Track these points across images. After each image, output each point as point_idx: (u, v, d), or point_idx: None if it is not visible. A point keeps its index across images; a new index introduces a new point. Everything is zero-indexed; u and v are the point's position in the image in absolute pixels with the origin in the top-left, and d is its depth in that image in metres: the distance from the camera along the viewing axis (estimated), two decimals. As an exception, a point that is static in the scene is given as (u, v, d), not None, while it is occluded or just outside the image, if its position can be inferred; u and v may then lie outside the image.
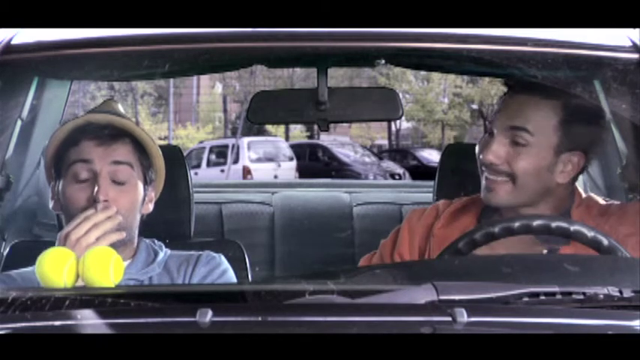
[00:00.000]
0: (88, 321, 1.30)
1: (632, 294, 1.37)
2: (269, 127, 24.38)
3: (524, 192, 1.98)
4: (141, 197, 1.95)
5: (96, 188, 1.87)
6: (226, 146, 20.47)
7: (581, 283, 1.45)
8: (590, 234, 1.68)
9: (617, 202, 2.05)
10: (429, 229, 2.09)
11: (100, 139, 1.92)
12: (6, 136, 2.19)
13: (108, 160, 1.91)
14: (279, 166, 19.30)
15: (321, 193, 3.47)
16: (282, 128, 26.97)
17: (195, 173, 17.49)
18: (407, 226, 2.13)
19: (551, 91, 1.96)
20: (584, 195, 2.05)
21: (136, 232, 1.98)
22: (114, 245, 1.77)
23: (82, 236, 1.77)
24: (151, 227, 2.04)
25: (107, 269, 1.61)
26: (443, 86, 27.84)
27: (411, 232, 2.12)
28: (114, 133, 1.94)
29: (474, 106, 27.77)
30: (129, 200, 1.92)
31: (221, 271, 2.02)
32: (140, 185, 1.95)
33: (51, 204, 1.98)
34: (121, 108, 2.03)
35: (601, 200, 2.04)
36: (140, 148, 1.96)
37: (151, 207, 2.01)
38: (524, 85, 2.01)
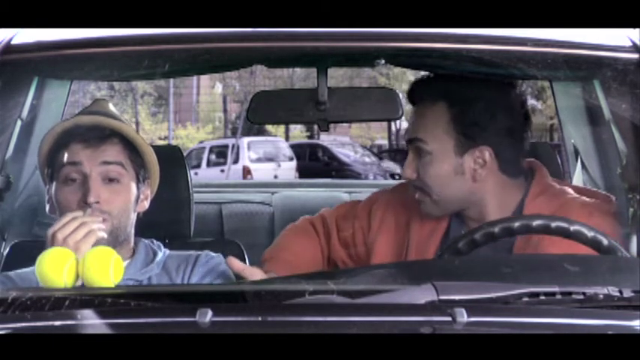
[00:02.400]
0: (88, 321, 1.30)
1: (632, 294, 1.37)
2: (269, 127, 24.37)
3: (446, 201, 1.98)
4: (134, 196, 1.95)
5: (87, 190, 1.87)
6: (226, 146, 20.47)
7: (581, 283, 1.45)
8: (590, 234, 1.68)
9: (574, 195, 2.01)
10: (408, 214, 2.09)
11: (87, 142, 1.92)
12: (6, 136, 2.19)
13: (97, 162, 1.91)
14: (279, 166, 19.29)
15: (321, 193, 3.47)
16: (282, 128, 26.96)
17: (195, 173, 17.48)
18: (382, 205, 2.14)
19: (436, 94, 1.97)
20: (540, 187, 2.01)
21: (132, 230, 1.98)
22: (111, 245, 1.77)
23: (68, 235, 1.77)
24: (150, 227, 2.04)
25: (107, 269, 1.61)
26: (443, 86, 27.78)
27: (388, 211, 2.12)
28: (102, 135, 1.93)
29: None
30: (122, 200, 1.92)
31: (220, 270, 2.02)
32: (133, 184, 1.95)
33: (47, 207, 1.98)
34: (111, 107, 2.03)
35: (561, 192, 2.00)
36: (130, 146, 1.96)
37: (146, 204, 2.00)
38: (416, 95, 2.02)
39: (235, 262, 1.91)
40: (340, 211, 2.21)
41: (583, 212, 1.90)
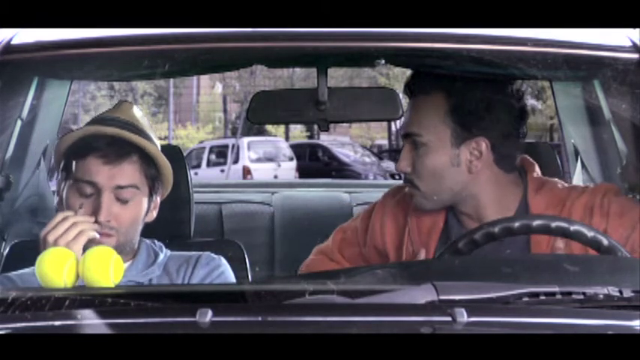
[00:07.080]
0: (88, 321, 1.30)
1: (632, 294, 1.37)
2: (269, 127, 24.38)
3: (439, 194, 1.98)
4: (144, 210, 1.95)
5: (99, 207, 1.87)
6: (226, 146, 20.47)
7: (581, 283, 1.45)
8: (590, 234, 1.68)
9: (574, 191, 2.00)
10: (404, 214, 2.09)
11: (106, 157, 1.90)
12: (6, 136, 2.19)
13: (112, 184, 1.89)
14: (279, 166, 19.29)
15: (321, 193, 3.47)
16: (282, 128, 26.97)
17: (195, 173, 17.48)
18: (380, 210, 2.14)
19: (435, 85, 1.96)
20: (536, 181, 2.01)
21: (137, 238, 1.98)
22: (115, 248, 1.77)
23: (59, 236, 1.77)
24: (151, 227, 2.04)
25: (107, 269, 1.61)
26: (443, 86, 27.80)
27: (385, 216, 2.12)
28: (121, 152, 1.91)
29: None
30: (131, 216, 1.92)
31: (220, 272, 2.02)
32: (144, 201, 1.95)
33: (55, 200, 1.98)
34: (136, 111, 2.00)
35: (557, 188, 2.00)
36: (148, 160, 1.95)
37: (155, 214, 2.00)
38: (414, 87, 2.02)
39: None
40: (336, 239, 2.20)
41: (585, 197, 1.91)
